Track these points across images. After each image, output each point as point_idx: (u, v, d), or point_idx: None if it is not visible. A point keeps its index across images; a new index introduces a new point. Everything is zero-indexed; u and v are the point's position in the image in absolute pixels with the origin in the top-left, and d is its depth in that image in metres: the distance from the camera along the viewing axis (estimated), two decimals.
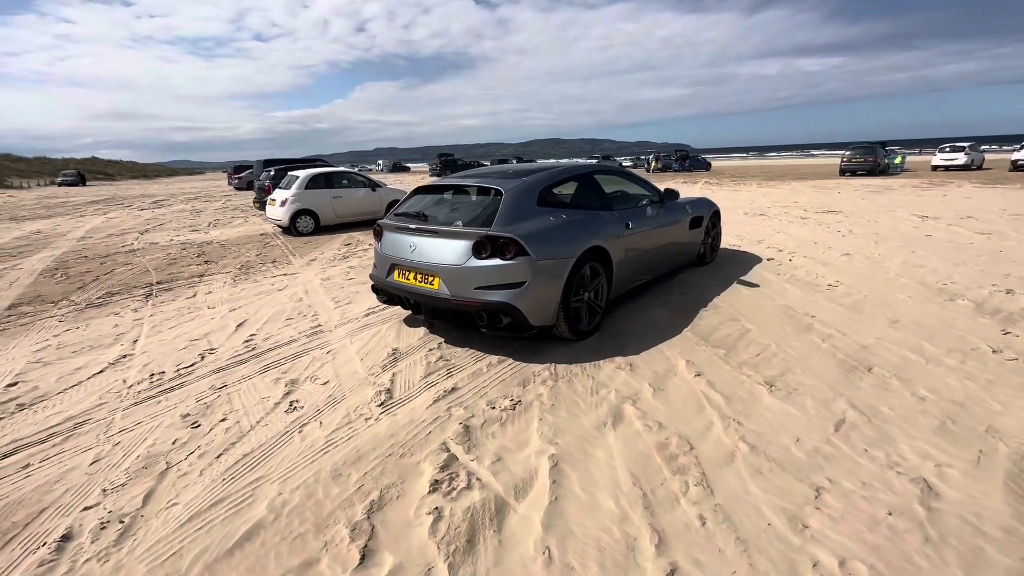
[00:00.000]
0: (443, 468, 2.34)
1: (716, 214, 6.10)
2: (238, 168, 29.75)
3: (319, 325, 4.47)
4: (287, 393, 3.18)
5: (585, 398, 2.94)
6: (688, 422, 2.65)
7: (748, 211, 11.19)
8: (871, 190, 15.16)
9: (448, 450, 2.49)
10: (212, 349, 4.01)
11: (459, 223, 3.51)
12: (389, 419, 2.80)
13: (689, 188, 18.93)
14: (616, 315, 4.34)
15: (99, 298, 6.01)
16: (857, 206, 11.30)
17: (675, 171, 34.90)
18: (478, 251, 3.33)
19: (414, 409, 2.89)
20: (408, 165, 56.61)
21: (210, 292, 6.02)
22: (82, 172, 45.28)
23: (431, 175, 38.84)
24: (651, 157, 36.46)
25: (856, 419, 2.61)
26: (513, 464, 2.37)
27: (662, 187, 5.10)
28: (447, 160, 36.87)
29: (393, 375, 3.35)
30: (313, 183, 10.89)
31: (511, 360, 3.51)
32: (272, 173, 14.06)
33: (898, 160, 24.07)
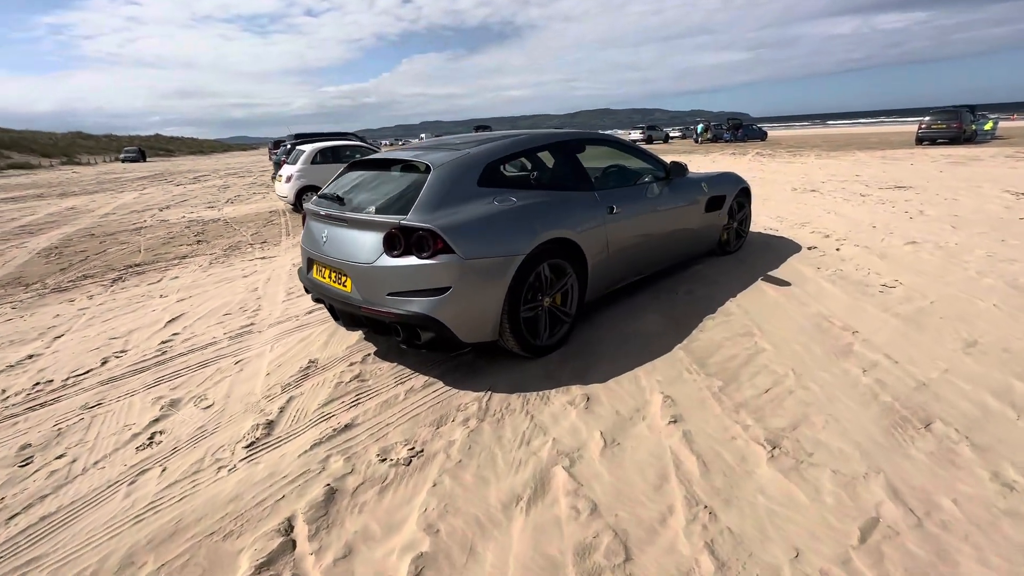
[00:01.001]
0: (264, 567, 1.66)
1: (744, 192, 5.02)
2: (277, 143, 30.03)
3: (252, 324, 3.88)
4: (156, 419, 2.59)
5: (509, 451, 2.18)
6: (636, 506, 1.84)
7: (798, 186, 9.76)
8: (952, 161, 13.08)
9: (288, 532, 1.80)
10: (123, 351, 3.50)
11: (371, 209, 2.75)
12: (246, 470, 2.15)
13: (734, 161, 17.20)
14: (595, 320, 3.49)
15: (70, 282, 5.72)
16: (933, 180, 9.61)
17: (726, 141, 32.36)
18: (390, 246, 2.58)
19: (284, 456, 2.23)
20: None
21: (176, 277, 5.60)
22: (143, 149, 47.50)
23: None
24: (699, 126, 33.97)
25: (898, 519, 1.71)
26: (362, 566, 1.66)
27: (671, 161, 4.10)
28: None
29: (289, 400, 2.69)
30: (320, 157, 10.38)
31: (440, 384, 2.77)
32: (287, 148, 13.70)
33: (988, 126, 21.01)
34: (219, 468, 2.17)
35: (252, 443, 2.33)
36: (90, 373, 3.20)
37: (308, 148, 10.48)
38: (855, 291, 3.84)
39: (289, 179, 10.16)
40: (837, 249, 5.04)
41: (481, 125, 36.17)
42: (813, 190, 9.20)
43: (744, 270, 4.47)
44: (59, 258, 7.10)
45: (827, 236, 5.59)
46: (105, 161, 44.80)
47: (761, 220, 6.63)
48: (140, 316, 4.27)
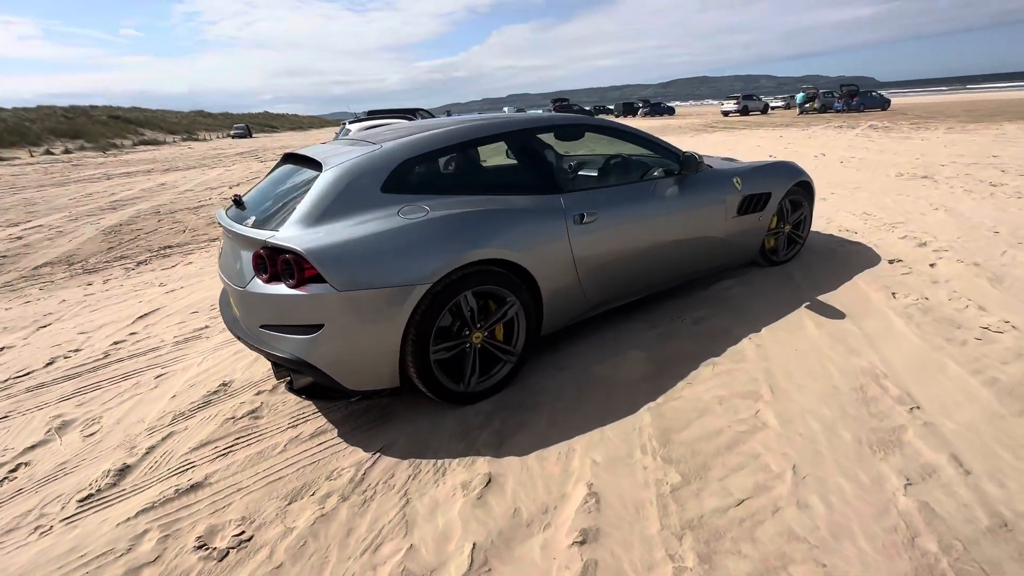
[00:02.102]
0: None
1: (803, 187, 3.94)
2: (354, 121, 31.04)
3: (207, 327, 3.64)
4: (34, 445, 2.37)
5: (347, 559, 1.63)
6: None
7: (906, 171, 7.96)
8: None
9: None
10: (76, 351, 3.41)
11: (251, 220, 2.26)
12: (56, 537, 1.82)
13: (835, 136, 14.77)
14: (560, 352, 2.80)
15: (104, 263, 5.97)
16: None
17: (836, 111, 28.34)
18: (258, 269, 2.09)
19: (105, 522, 1.87)
20: (535, 112, 54.98)
21: (190, 264, 5.63)
22: (249, 126, 51.57)
23: None
24: (800, 95, 29.94)
25: None
26: None
27: (696, 151, 3.20)
28: (562, 106, 34.34)
29: (166, 437, 2.35)
30: None
31: (333, 434, 2.29)
32: (346, 126, 13.79)
33: None
34: (35, 528, 1.87)
35: (90, 496, 2.01)
36: (28, 376, 3.11)
37: (355, 127, 10.38)
38: (937, 335, 2.78)
39: None
40: (931, 265, 3.82)
41: (560, 99, 34.77)
42: (925, 176, 7.42)
43: (787, 291, 3.48)
44: (114, 236, 7.53)
45: (922, 244, 4.31)
46: (218, 137, 49.23)
47: (839, 217, 5.35)
48: (124, 308, 4.24)
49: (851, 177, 7.71)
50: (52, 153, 30.79)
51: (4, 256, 6.51)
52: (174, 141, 40.86)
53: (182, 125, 50.04)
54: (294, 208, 2.13)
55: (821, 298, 3.32)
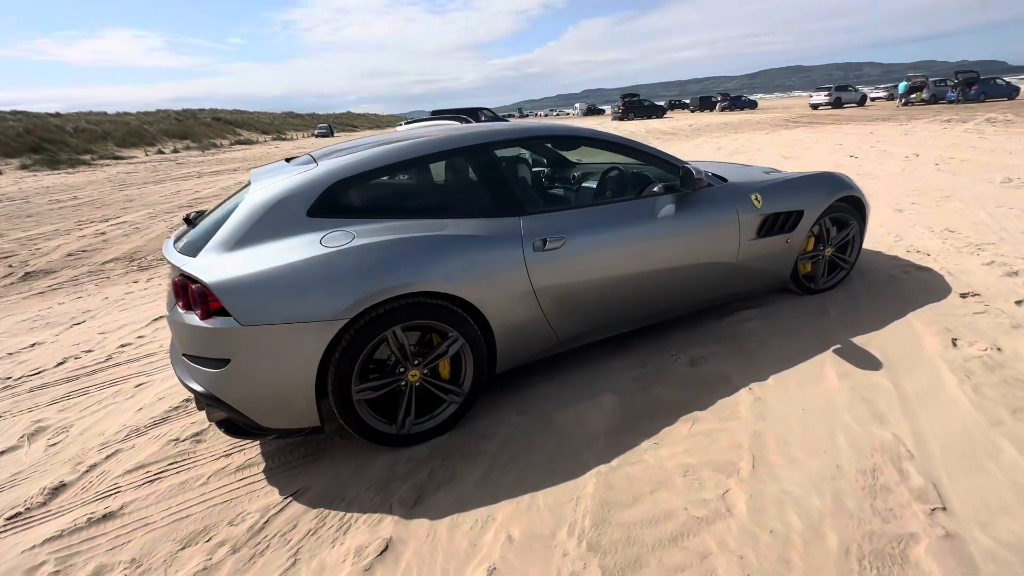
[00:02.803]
0: None
1: (851, 203, 3.33)
2: (411, 122, 31.91)
3: None
4: (3, 452, 2.49)
5: None
6: None
7: (1018, 177, 6.69)
8: None
9: None
10: (87, 351, 3.61)
11: (183, 243, 2.18)
12: None
13: (940, 132, 12.89)
14: (522, 391, 2.51)
15: (158, 260, 6.43)
16: None
17: (949, 102, 24.97)
18: (177, 295, 2.00)
19: (14, 547, 1.87)
20: (604, 108, 53.23)
21: None
22: (332, 126, 54.73)
23: (613, 119, 35.60)
24: (902, 85, 26.62)
25: None
26: None
27: (684, 166, 2.74)
28: (631, 102, 33.11)
29: (111, 455, 2.36)
30: None
31: (258, 469, 2.17)
32: (403, 126, 14.07)
33: None
34: None
35: (17, 515, 2.03)
36: (38, 375, 3.32)
37: (401, 128, 10.52)
38: (1001, 404, 2.17)
39: None
40: (1017, 303, 3.08)
41: (630, 94, 33.56)
42: None
43: (817, 328, 2.94)
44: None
45: (1012, 274, 3.51)
46: (304, 137, 52.71)
47: (912, 235, 4.54)
48: (149, 308, 4.47)
49: (943, 183, 6.61)
50: (163, 152, 34.44)
51: (84, 251, 7.20)
52: (265, 141, 44.20)
53: (274, 126, 54.11)
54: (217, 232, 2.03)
55: (857, 340, 2.76)
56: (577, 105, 65.99)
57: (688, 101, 44.74)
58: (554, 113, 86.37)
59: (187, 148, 37.05)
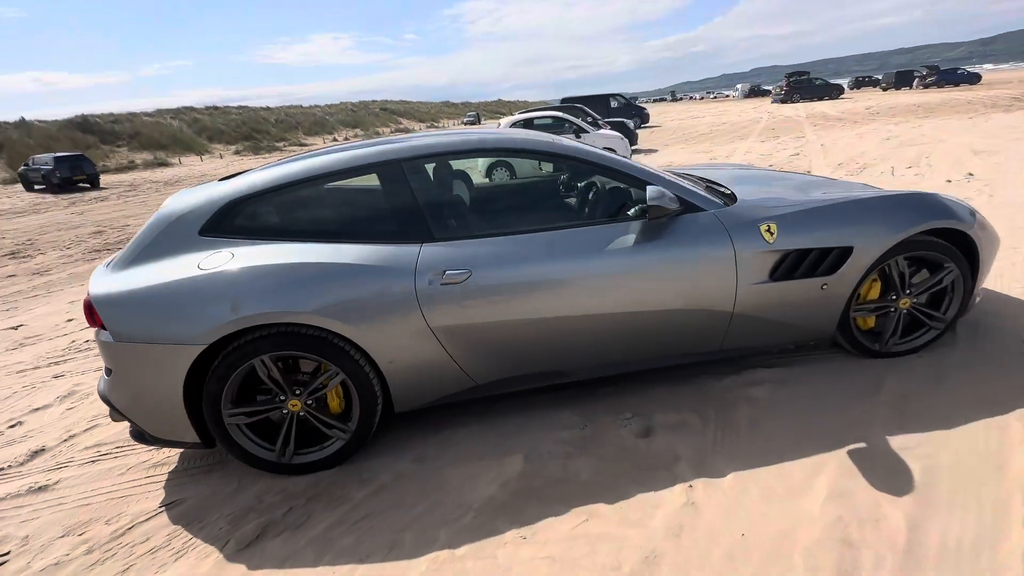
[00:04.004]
0: None
1: (947, 238, 2.35)
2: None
3: None
4: None
5: None
6: None
7: None
8: None
9: None
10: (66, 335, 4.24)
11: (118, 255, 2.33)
12: None
13: None
14: (433, 433, 2.25)
15: None
16: None
17: None
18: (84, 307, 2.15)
19: None
20: (768, 88, 47.04)
21: None
22: (479, 114, 57.45)
23: (773, 102, 31.22)
24: None
25: None
26: None
27: (651, 188, 2.12)
28: (798, 81, 28.59)
29: (90, 428, 2.70)
30: None
31: (168, 468, 2.29)
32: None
33: None
34: None
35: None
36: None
37: (502, 123, 10.44)
38: None
39: None
40: None
41: (798, 72, 29.03)
42: None
43: (849, 412, 2.13)
44: None
45: None
46: (455, 124, 56.19)
47: None
48: None
49: None
50: (336, 140, 39.59)
51: None
52: (420, 129, 48.08)
53: (430, 114, 58.67)
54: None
55: (898, 440, 1.94)
56: (739, 87, 59.49)
57: (880, 77, 37.23)
58: (710, 96, 79.05)
59: (355, 135, 42.04)
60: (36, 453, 2.54)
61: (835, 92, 28.84)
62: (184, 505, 2.06)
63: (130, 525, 1.98)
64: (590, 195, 2.44)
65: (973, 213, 2.42)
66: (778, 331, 2.36)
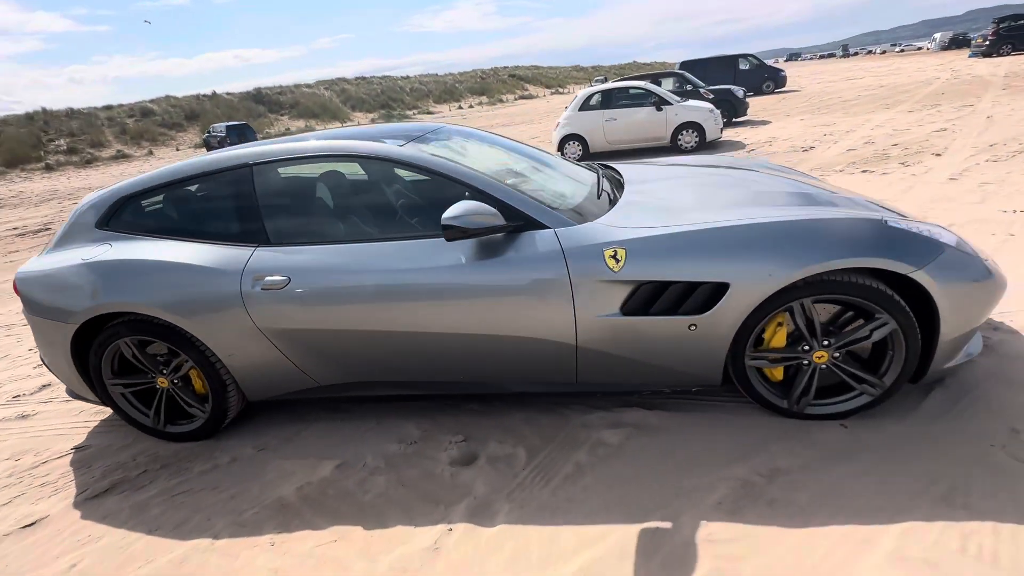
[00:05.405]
0: None
1: (887, 280, 1.76)
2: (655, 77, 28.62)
3: None
4: None
5: None
6: None
7: None
8: None
9: None
10: None
11: None
12: None
13: None
14: (290, 424, 2.38)
15: None
16: None
17: None
18: None
19: None
20: (972, 37, 37.20)
21: None
22: (607, 78, 54.90)
23: (970, 56, 24.68)
24: None
25: None
26: None
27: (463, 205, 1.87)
28: (1012, 28, 22.21)
29: None
30: (590, 103, 9.65)
31: (109, 416, 2.75)
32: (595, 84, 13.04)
33: None
34: None
35: (15, 397, 3.14)
36: None
37: (581, 92, 9.86)
38: None
39: (557, 126, 10.01)
40: None
41: (1008, 17, 22.44)
42: None
43: (689, 481, 1.78)
44: None
45: None
46: (583, 88, 54.55)
47: None
48: None
49: None
50: (460, 108, 40.97)
51: None
52: (544, 95, 47.54)
53: (557, 79, 57.54)
54: None
55: (707, 530, 1.58)
56: (936, 36, 48.20)
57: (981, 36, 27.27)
58: (896, 49, 65.16)
59: (480, 104, 43.03)
60: (43, 388, 3.22)
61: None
62: (87, 451, 2.49)
63: (45, 460, 2.46)
64: (429, 207, 2.28)
65: (937, 249, 1.78)
66: (643, 372, 2.03)
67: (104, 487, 2.21)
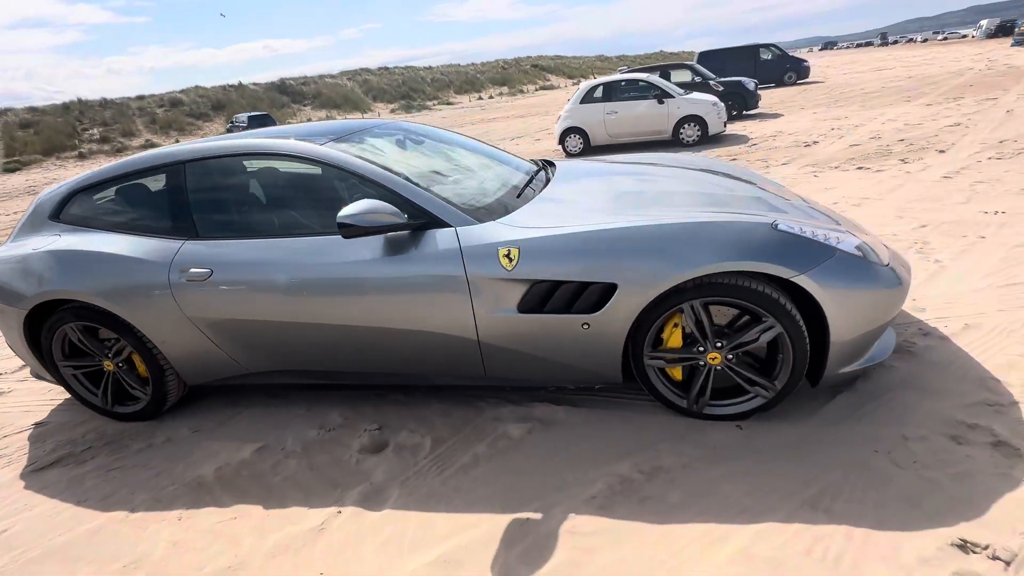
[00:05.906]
0: None
1: (775, 284, 1.76)
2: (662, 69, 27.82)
3: None
4: None
5: None
6: None
7: None
8: None
9: None
10: None
11: None
12: None
13: None
14: (229, 408, 2.51)
15: None
16: None
17: None
18: None
19: None
20: (1018, 24, 35.23)
21: None
22: (631, 68, 54.06)
23: (1013, 44, 23.39)
24: None
25: None
26: None
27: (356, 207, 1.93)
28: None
29: None
30: (592, 95, 9.57)
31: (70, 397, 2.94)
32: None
33: None
34: None
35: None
36: None
37: (583, 85, 9.77)
38: None
39: (559, 119, 9.96)
40: None
41: None
42: None
43: (573, 472, 1.83)
44: None
45: None
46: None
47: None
48: None
49: None
50: (481, 99, 40.89)
51: None
52: (565, 86, 47.00)
53: (580, 70, 56.82)
54: None
55: (575, 523, 1.63)
56: (983, 23, 45.81)
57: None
58: (939, 36, 62.13)
59: (500, 95, 42.84)
60: (22, 367, 3.45)
61: None
62: (45, 427, 2.67)
63: (6, 434, 2.65)
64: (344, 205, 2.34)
65: (824, 254, 1.78)
66: (544, 368, 2.08)
67: (50, 460, 2.38)
